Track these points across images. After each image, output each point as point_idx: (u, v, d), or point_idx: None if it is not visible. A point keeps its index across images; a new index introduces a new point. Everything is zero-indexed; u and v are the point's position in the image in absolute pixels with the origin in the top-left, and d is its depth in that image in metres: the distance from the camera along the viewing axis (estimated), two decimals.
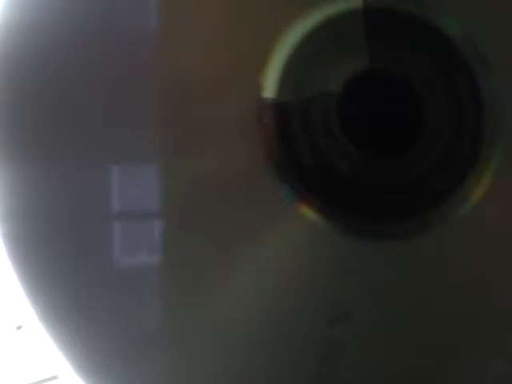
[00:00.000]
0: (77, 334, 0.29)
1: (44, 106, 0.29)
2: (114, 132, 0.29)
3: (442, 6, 0.29)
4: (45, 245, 0.29)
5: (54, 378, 0.38)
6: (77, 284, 0.29)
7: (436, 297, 0.29)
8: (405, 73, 0.28)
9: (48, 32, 0.29)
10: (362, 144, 0.28)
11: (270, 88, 0.28)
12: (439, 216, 0.28)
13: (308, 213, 0.28)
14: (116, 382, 0.30)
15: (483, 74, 0.28)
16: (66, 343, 0.29)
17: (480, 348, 0.29)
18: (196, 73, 0.28)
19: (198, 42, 0.28)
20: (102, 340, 0.29)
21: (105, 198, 0.29)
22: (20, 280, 0.29)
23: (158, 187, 0.28)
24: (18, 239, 0.29)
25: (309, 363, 0.29)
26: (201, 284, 0.28)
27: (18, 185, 0.29)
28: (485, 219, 0.29)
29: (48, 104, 0.29)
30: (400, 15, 0.28)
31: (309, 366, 0.29)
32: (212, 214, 0.28)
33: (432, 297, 0.29)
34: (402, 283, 0.29)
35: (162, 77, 0.29)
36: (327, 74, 0.28)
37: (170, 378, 0.29)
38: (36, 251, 0.29)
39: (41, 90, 0.29)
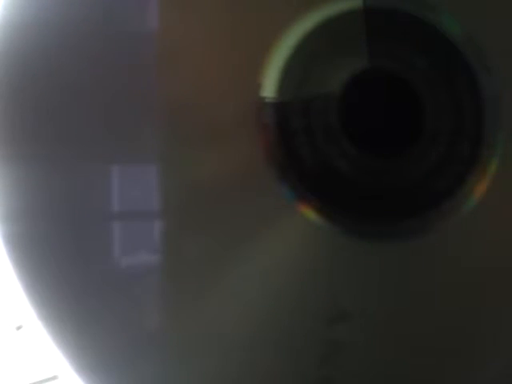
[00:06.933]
0: (77, 333, 0.29)
1: (44, 107, 0.29)
2: (114, 132, 0.29)
3: (442, 5, 0.29)
4: (45, 245, 0.29)
5: (54, 378, 0.38)
6: (77, 284, 0.29)
7: (436, 297, 0.29)
8: (405, 73, 0.28)
9: (48, 32, 0.29)
10: (362, 144, 0.28)
11: (270, 88, 0.28)
12: (439, 216, 0.28)
13: (308, 213, 0.28)
14: (116, 382, 0.30)
15: (483, 74, 0.28)
16: (66, 343, 0.29)
17: (480, 348, 0.29)
18: (196, 73, 0.28)
19: (198, 43, 0.28)
20: (102, 340, 0.29)
21: (105, 198, 0.29)
22: (20, 280, 0.29)
23: (157, 187, 0.28)
24: (18, 239, 0.29)
25: (309, 363, 0.29)
26: (201, 284, 0.28)
27: (17, 185, 0.29)
28: (485, 219, 0.29)
29: (48, 104, 0.29)
30: (400, 15, 0.28)
31: (309, 367, 0.29)
32: (212, 214, 0.28)
33: (432, 297, 0.29)
34: (402, 283, 0.29)
35: (161, 77, 0.29)
36: (327, 73, 0.28)
37: (170, 378, 0.29)
38: (36, 251, 0.29)
39: (41, 90, 0.29)
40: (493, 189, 0.28)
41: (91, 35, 0.29)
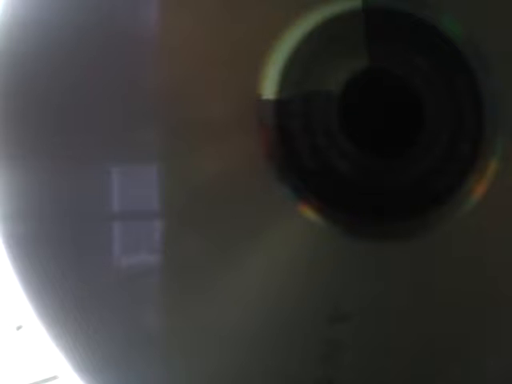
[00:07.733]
0: (77, 334, 0.29)
1: (45, 108, 0.29)
2: (114, 132, 0.29)
3: (442, 5, 0.29)
4: (45, 245, 0.29)
5: (54, 378, 0.38)
6: (77, 284, 0.29)
7: (436, 296, 0.29)
8: (405, 73, 0.28)
9: (49, 32, 0.29)
10: (362, 144, 0.28)
11: (269, 88, 0.28)
12: (439, 216, 0.28)
13: (308, 213, 0.28)
14: (116, 382, 0.30)
15: (483, 74, 0.28)
16: (66, 343, 0.29)
17: (480, 347, 0.29)
18: (196, 73, 0.28)
19: (198, 42, 0.28)
20: (102, 340, 0.29)
21: (105, 198, 0.29)
22: (20, 280, 0.29)
23: (157, 187, 0.28)
24: (19, 239, 0.29)
25: (309, 363, 0.29)
26: (201, 284, 0.28)
27: (18, 185, 0.29)
28: (485, 219, 0.29)
29: (48, 105, 0.29)
30: (400, 15, 0.28)
31: (309, 366, 0.29)
32: (212, 213, 0.28)
33: (432, 296, 0.29)
34: (402, 283, 0.29)
35: (161, 77, 0.29)
36: (327, 73, 0.28)
37: (170, 378, 0.29)
38: (36, 251, 0.29)
39: (41, 91, 0.29)
40: (493, 189, 0.28)
41: (91, 35, 0.29)
